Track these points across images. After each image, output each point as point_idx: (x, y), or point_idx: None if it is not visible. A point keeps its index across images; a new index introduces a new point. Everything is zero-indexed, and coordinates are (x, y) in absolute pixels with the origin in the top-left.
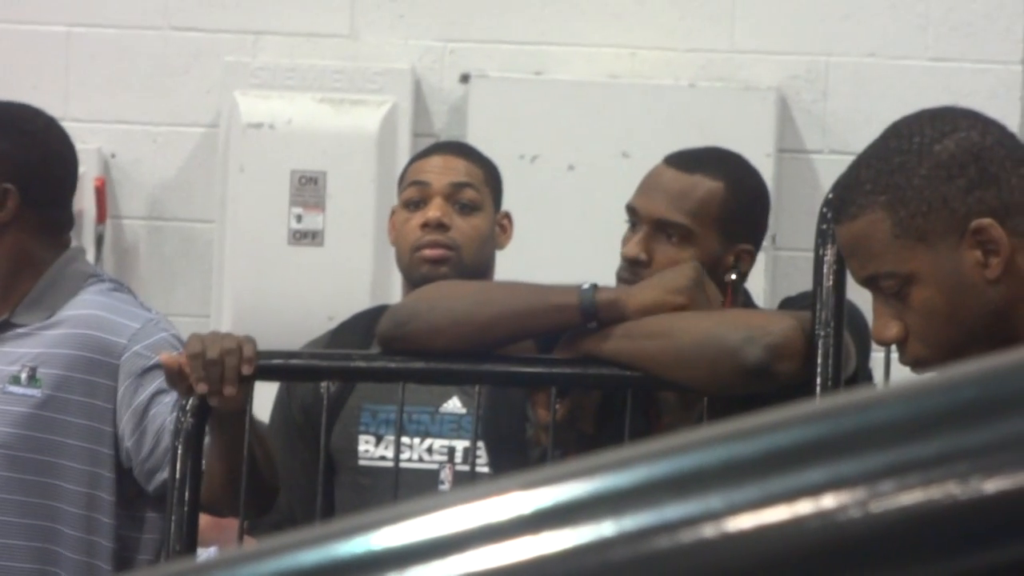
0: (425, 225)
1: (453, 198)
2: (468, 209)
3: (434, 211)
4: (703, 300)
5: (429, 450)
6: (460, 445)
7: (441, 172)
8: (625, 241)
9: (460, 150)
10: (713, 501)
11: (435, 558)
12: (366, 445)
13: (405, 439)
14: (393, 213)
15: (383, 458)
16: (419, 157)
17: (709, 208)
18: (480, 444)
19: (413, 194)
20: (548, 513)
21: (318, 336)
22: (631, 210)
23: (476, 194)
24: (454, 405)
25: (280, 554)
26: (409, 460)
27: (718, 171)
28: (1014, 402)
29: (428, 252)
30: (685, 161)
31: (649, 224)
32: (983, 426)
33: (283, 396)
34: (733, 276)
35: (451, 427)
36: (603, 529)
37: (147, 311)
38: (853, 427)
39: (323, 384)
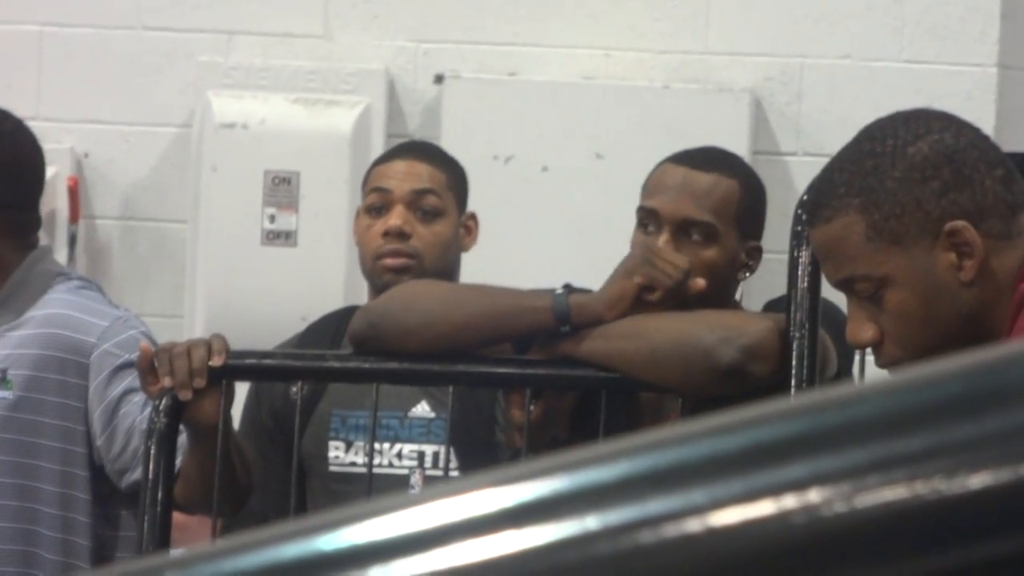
0: (386, 233)
1: (415, 205)
2: (430, 216)
3: (395, 219)
4: (660, 274)
5: (399, 455)
6: (430, 450)
7: (403, 178)
8: (636, 244)
9: (423, 153)
10: (696, 496)
11: (418, 552)
12: (336, 451)
13: (375, 444)
14: (358, 215)
15: (353, 464)
16: (382, 161)
17: (729, 206)
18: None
19: (375, 200)
20: (531, 507)
21: (287, 339)
22: (649, 212)
23: (438, 200)
24: (423, 409)
25: (257, 549)
26: (379, 466)
27: (731, 169)
28: (998, 397)
29: (389, 261)
30: (698, 160)
31: (673, 224)
32: (968, 421)
33: (252, 401)
34: (748, 274)
35: (420, 432)
36: (586, 523)
37: (115, 309)
38: (838, 422)
39: (294, 390)
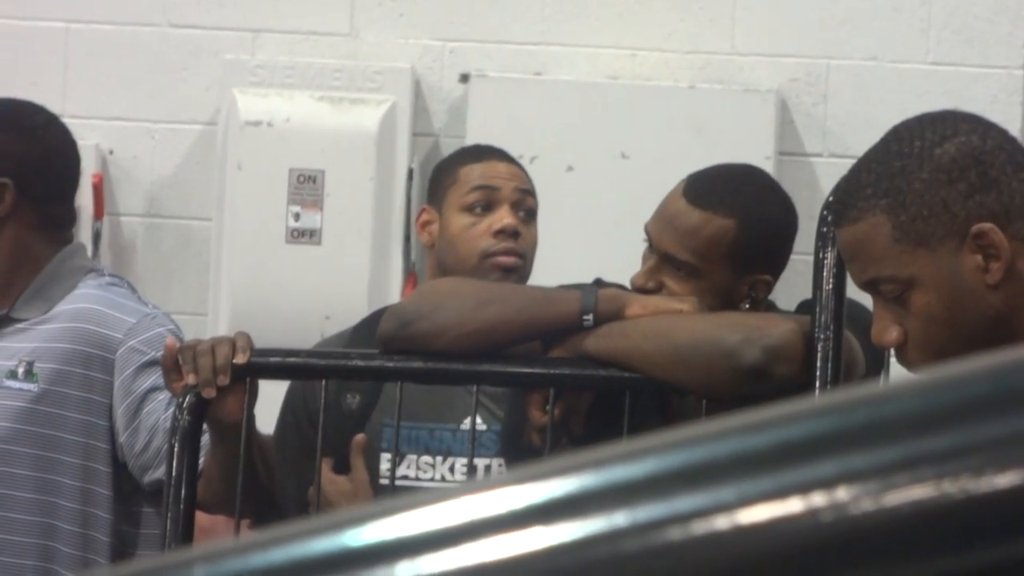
0: (499, 232)
1: (519, 205)
2: (530, 216)
3: (509, 218)
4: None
5: (451, 469)
6: (481, 463)
7: (508, 178)
8: (643, 260)
9: (509, 157)
10: (724, 493)
11: (446, 548)
12: (388, 464)
13: (427, 458)
14: (423, 212)
15: (404, 477)
16: (471, 160)
17: (718, 246)
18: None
19: (479, 198)
20: (558, 504)
21: (340, 332)
22: (647, 232)
23: (535, 202)
24: (476, 422)
25: (283, 544)
26: (432, 480)
27: (732, 206)
28: None
29: (503, 259)
30: (700, 193)
31: (658, 255)
32: (996, 420)
33: (297, 398)
34: (746, 306)
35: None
36: (614, 520)
37: (144, 306)
38: (866, 420)
39: (349, 399)
